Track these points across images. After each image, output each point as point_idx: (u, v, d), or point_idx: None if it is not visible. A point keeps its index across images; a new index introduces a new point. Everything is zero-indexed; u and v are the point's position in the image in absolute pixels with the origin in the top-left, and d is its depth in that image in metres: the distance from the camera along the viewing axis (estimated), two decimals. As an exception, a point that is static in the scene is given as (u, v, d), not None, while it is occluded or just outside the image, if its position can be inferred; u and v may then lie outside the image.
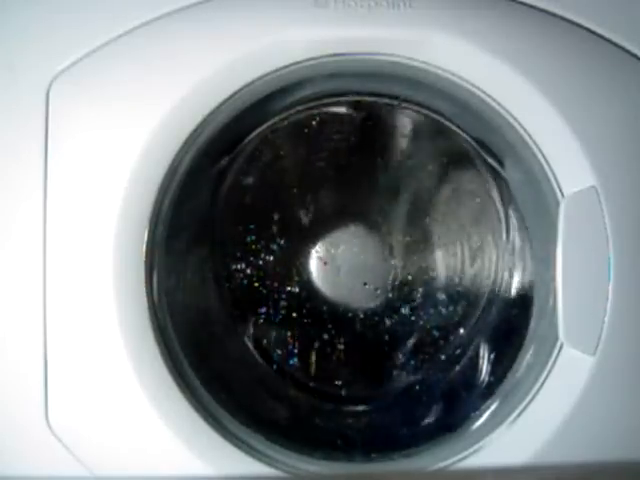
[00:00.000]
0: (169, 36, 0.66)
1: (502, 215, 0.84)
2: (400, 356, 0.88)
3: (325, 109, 0.81)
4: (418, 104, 0.79)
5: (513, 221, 0.83)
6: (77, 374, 0.66)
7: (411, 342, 0.88)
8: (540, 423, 0.68)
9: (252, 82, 0.66)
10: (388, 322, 0.88)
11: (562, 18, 0.67)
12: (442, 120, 0.80)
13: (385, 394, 0.88)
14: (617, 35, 0.67)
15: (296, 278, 0.87)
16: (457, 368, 0.86)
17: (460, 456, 0.69)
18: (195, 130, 0.66)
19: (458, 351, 0.87)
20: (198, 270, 0.84)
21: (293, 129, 0.83)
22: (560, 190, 0.67)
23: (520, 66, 0.65)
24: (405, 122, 0.85)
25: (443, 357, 0.88)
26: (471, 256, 0.87)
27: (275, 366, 0.87)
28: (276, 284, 0.87)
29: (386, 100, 0.80)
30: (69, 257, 0.65)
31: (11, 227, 0.66)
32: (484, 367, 0.83)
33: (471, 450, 0.69)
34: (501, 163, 0.79)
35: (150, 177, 0.66)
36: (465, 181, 0.87)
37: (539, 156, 0.68)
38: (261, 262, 0.87)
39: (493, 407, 0.74)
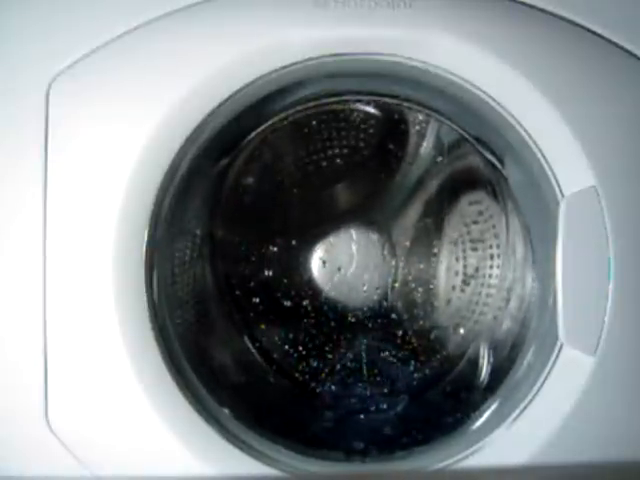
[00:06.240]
0: (169, 36, 0.66)
1: (502, 215, 0.84)
2: (400, 356, 0.88)
3: (325, 109, 0.81)
4: (418, 104, 0.79)
5: (513, 221, 0.83)
6: (77, 374, 0.66)
7: (411, 342, 0.88)
8: (540, 423, 0.68)
9: (252, 82, 0.66)
10: (388, 322, 0.88)
11: (562, 18, 0.67)
12: (442, 120, 0.80)
13: (385, 394, 0.87)
14: (617, 35, 0.67)
15: (296, 278, 0.87)
16: (457, 368, 0.86)
17: (460, 456, 0.69)
18: (195, 130, 0.66)
19: (458, 351, 0.87)
20: (198, 270, 0.84)
21: (293, 129, 0.83)
22: (560, 190, 0.67)
23: (520, 66, 0.65)
24: (405, 122, 0.85)
25: (443, 357, 0.88)
26: (471, 256, 0.87)
27: (275, 366, 0.87)
28: (276, 284, 0.87)
29: (386, 100, 0.80)
30: (69, 257, 0.65)
31: (11, 227, 0.66)
32: (484, 367, 0.83)
33: (471, 450, 0.69)
34: (501, 162, 0.79)
35: (150, 177, 0.66)
36: (465, 181, 0.87)
37: (539, 156, 0.68)
38: (261, 262, 0.87)
39: (493, 407, 0.74)
